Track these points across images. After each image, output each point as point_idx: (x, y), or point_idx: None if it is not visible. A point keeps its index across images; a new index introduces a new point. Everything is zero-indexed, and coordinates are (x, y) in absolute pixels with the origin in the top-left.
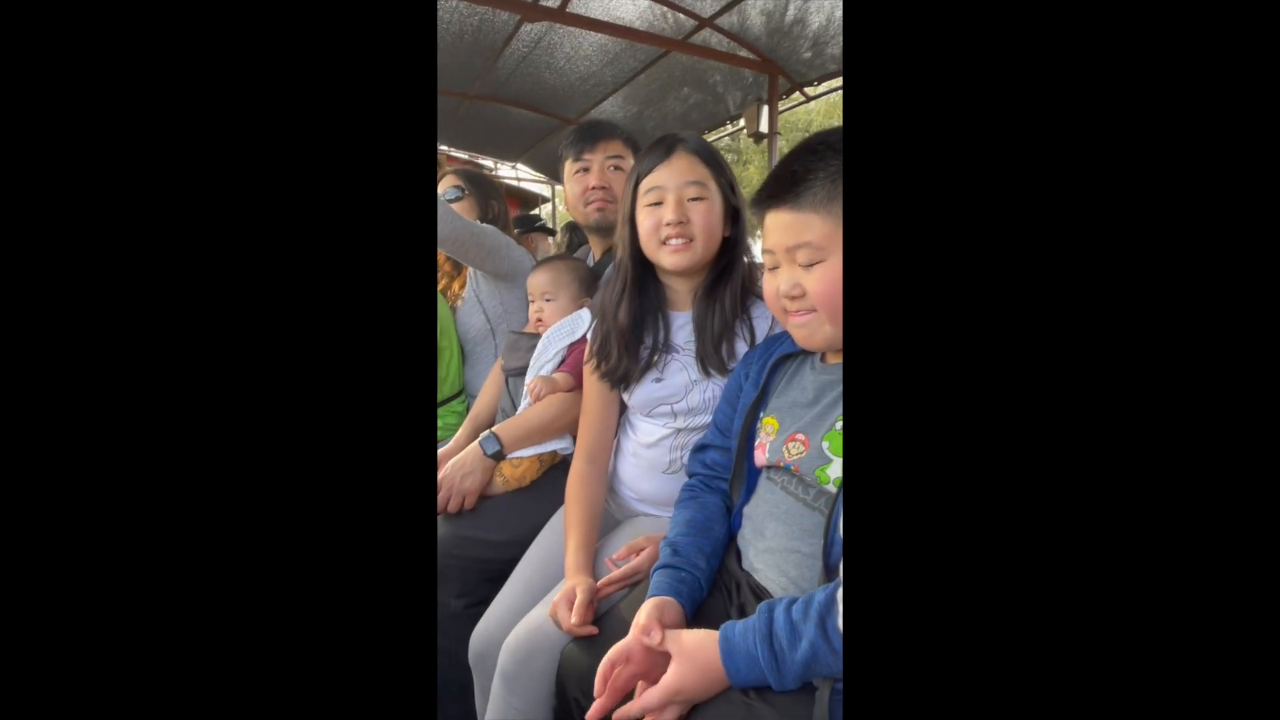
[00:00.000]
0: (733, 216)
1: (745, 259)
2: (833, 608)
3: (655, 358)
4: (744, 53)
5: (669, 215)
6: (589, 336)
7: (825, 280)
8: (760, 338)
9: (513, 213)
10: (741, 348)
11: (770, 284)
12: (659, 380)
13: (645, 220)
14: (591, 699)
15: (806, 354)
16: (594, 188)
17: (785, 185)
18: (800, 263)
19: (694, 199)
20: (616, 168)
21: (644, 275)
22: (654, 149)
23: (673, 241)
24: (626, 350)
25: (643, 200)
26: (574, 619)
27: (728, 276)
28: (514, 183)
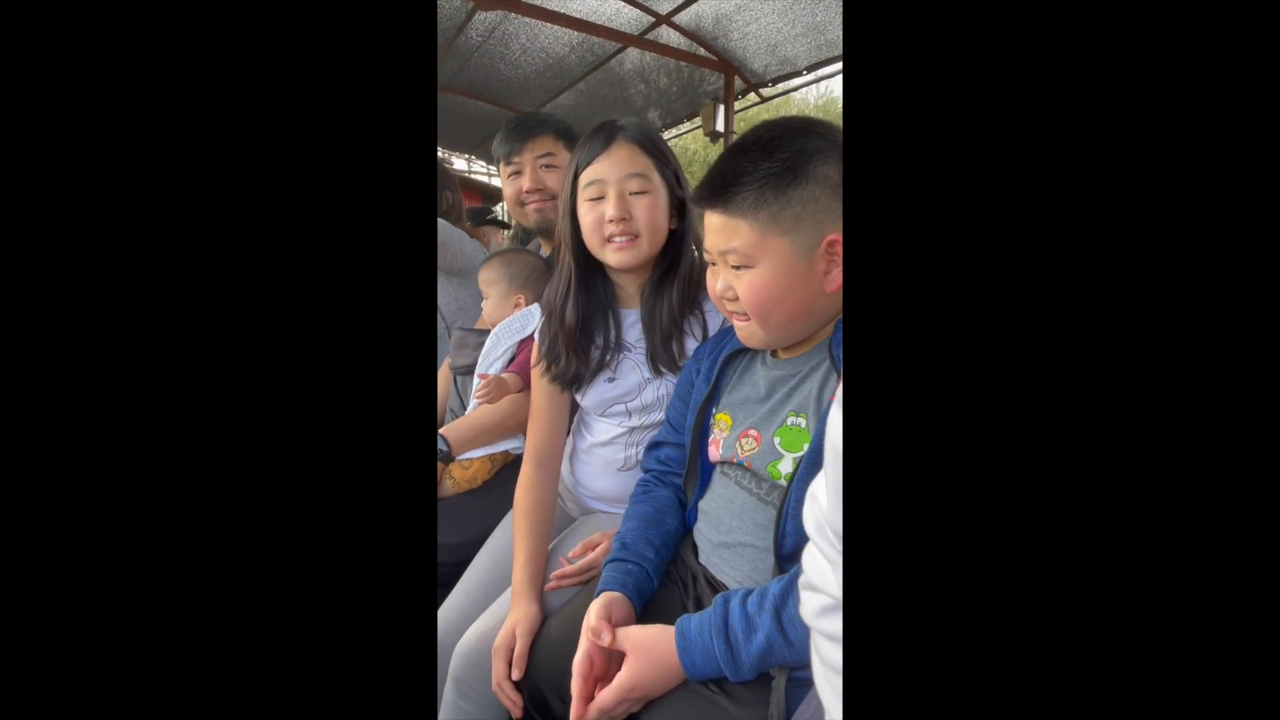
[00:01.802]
0: (678, 208)
1: (694, 251)
2: (788, 599)
3: (608, 357)
4: (702, 50)
5: (611, 211)
6: (537, 337)
7: (753, 288)
8: (711, 330)
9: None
10: (691, 344)
11: (710, 280)
12: (612, 380)
13: (587, 216)
14: (547, 694)
15: (757, 349)
16: (528, 191)
17: (716, 187)
18: (731, 265)
19: (636, 192)
20: (549, 166)
21: (589, 272)
22: (592, 138)
23: (617, 239)
24: (576, 352)
25: (583, 194)
26: (515, 673)
27: (675, 272)
28: (485, 178)
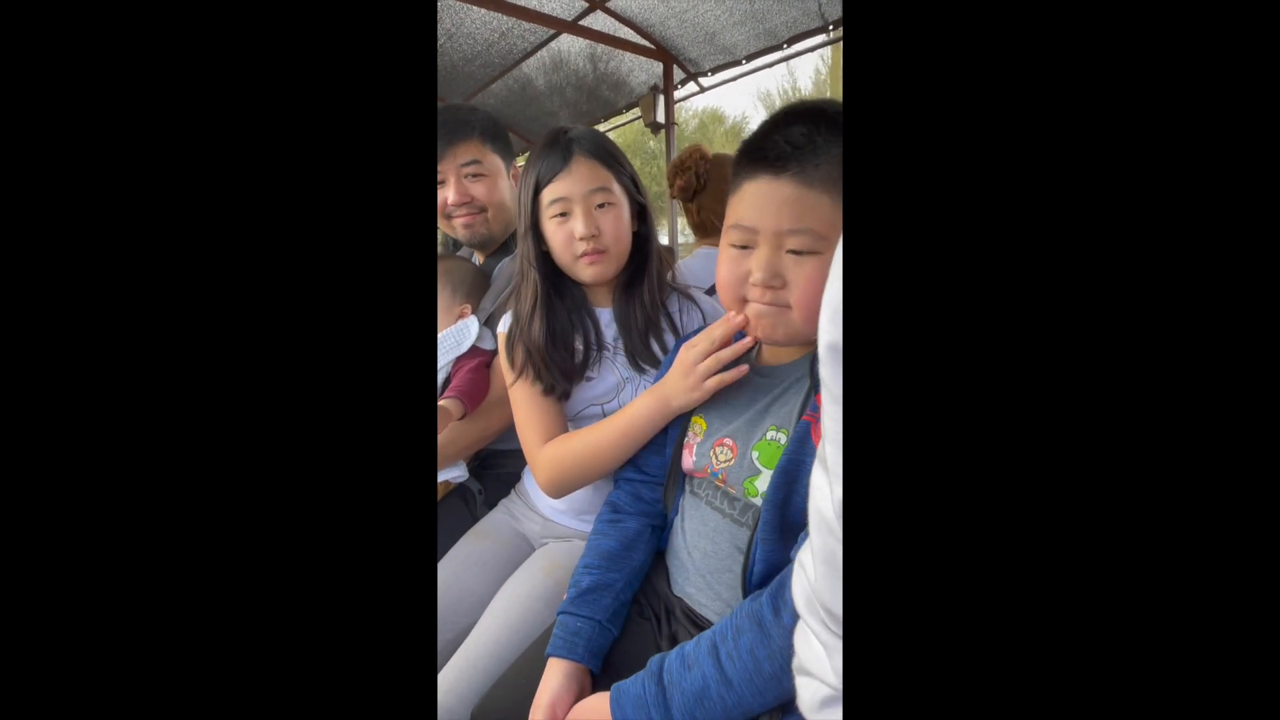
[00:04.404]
0: (639, 212)
1: (657, 252)
2: (727, 634)
3: (591, 355)
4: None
5: (580, 228)
6: (506, 348)
7: (814, 280)
8: (681, 327)
9: None
10: (670, 340)
11: (735, 265)
12: (590, 379)
13: (556, 234)
14: None
15: (744, 355)
16: (454, 204)
17: (784, 153)
18: (789, 248)
19: (601, 206)
20: (475, 175)
21: (559, 283)
22: (549, 154)
23: (588, 255)
24: (552, 366)
25: (547, 212)
26: None
27: (642, 274)
28: None
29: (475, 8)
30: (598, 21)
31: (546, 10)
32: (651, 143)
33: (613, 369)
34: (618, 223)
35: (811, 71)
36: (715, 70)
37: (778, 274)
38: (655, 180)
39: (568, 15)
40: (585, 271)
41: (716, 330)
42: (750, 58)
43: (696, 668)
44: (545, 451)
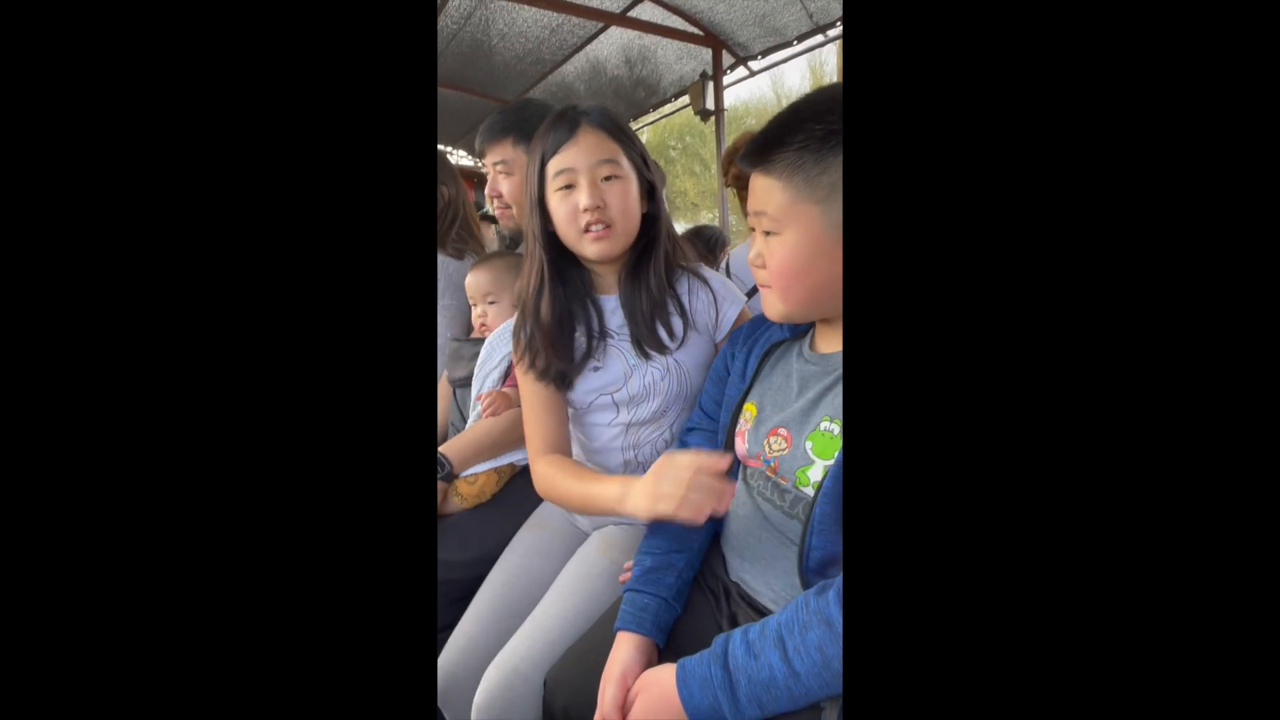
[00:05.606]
0: (648, 191)
1: (666, 234)
2: (794, 627)
3: (594, 345)
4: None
5: (585, 200)
6: (512, 335)
7: (777, 257)
8: (691, 312)
9: (472, 196)
10: (677, 324)
11: (750, 245)
12: (598, 369)
13: (560, 207)
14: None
15: (796, 339)
16: (490, 195)
17: (760, 146)
18: (763, 231)
19: (608, 179)
20: (505, 173)
21: (563, 263)
22: (556, 126)
23: (593, 229)
24: (553, 348)
25: (552, 185)
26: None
27: (650, 256)
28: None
29: (525, 7)
30: (645, 12)
31: (595, 4)
32: (689, 137)
33: (619, 358)
34: (625, 196)
35: (798, 77)
36: (765, 53)
37: (759, 254)
38: (685, 171)
39: (616, 7)
40: (590, 248)
41: (707, 460)
42: (801, 38)
43: (763, 658)
44: (541, 466)
